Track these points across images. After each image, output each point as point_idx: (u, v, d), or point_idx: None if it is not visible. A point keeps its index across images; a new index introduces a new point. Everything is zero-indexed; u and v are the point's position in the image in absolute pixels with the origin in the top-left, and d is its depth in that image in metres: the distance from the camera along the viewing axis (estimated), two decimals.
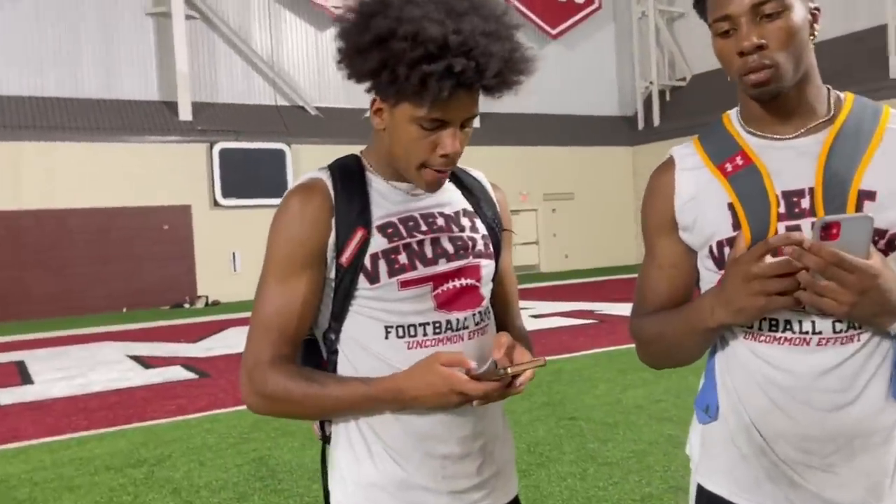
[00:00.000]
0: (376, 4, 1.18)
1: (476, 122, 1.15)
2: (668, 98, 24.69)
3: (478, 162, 1.50)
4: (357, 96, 22.25)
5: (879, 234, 1.10)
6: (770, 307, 1.06)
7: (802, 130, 1.19)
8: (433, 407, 1.20)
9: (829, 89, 1.22)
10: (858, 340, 1.13)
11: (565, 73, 22.99)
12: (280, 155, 18.39)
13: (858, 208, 1.11)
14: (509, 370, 1.14)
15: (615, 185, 23.78)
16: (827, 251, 0.99)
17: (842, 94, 1.22)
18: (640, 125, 24.90)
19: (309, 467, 4.49)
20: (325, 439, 1.37)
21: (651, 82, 24.36)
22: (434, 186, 1.28)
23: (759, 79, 1.12)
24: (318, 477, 4.22)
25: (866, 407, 1.13)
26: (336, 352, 1.29)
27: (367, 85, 1.22)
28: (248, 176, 17.75)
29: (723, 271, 1.18)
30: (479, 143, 13.58)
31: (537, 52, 1.29)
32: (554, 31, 23.15)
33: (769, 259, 1.03)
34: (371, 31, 1.16)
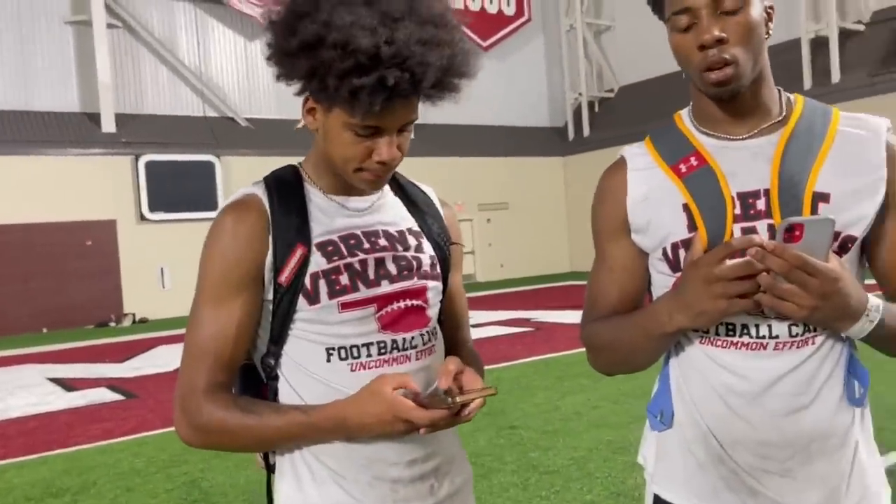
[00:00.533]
0: (305, 3, 1.10)
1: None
2: (597, 109, 25.20)
3: (412, 173, 1.45)
4: (288, 107, 21.95)
5: (833, 236, 1.10)
6: (731, 310, 1.04)
7: (755, 131, 1.18)
8: (378, 435, 1.14)
9: (779, 90, 1.21)
10: (813, 343, 1.12)
11: (498, 84, 23.20)
12: (209, 167, 17.93)
13: (813, 210, 1.11)
14: (458, 399, 1.09)
15: (548, 194, 24.11)
16: (791, 253, 0.98)
17: (791, 96, 1.22)
18: (571, 136, 25.33)
19: (244, 488, 4.34)
20: (270, 468, 1.29)
21: (580, 94, 24.82)
22: (374, 186, 1.22)
23: (719, 77, 1.10)
24: (254, 499, 4.10)
25: (822, 410, 1.13)
26: (276, 377, 1.22)
27: (297, 86, 1.16)
28: (176, 189, 17.22)
29: (678, 274, 1.16)
30: (413, 154, 13.55)
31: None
32: (485, 44, 23.34)
33: (731, 261, 1.01)
34: (298, 35, 1.09)
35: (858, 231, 1.13)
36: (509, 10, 25.05)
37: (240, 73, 19.85)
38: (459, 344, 1.37)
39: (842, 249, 1.11)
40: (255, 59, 19.97)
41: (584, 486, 4.03)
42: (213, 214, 1.51)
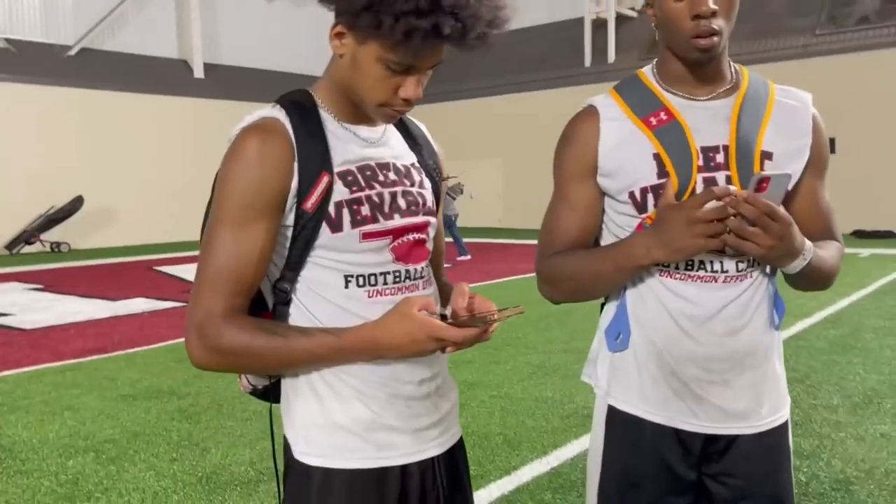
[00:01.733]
0: None
1: None
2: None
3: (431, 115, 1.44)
4: (56, 31, 19.67)
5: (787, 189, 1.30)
6: (706, 247, 1.21)
7: (713, 94, 1.36)
8: (409, 355, 1.17)
9: (729, 60, 1.40)
10: (750, 278, 1.35)
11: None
12: None
13: (761, 166, 1.32)
14: (495, 317, 1.14)
15: None
16: (762, 201, 1.16)
17: (737, 66, 1.42)
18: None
19: (56, 443, 4.00)
20: (260, 394, 1.29)
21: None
22: (389, 121, 1.25)
23: (706, 45, 1.27)
24: (71, 453, 3.80)
25: (754, 330, 1.36)
26: (289, 302, 1.22)
27: (337, 10, 1.14)
28: None
29: (643, 215, 1.32)
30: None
31: None
32: None
33: (709, 205, 1.18)
34: None
35: (790, 185, 1.36)
36: None
37: None
38: (439, 278, 1.43)
39: None
40: None
41: None
42: None
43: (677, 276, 1.34)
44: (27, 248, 16.81)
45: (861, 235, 15.85)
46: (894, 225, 15.93)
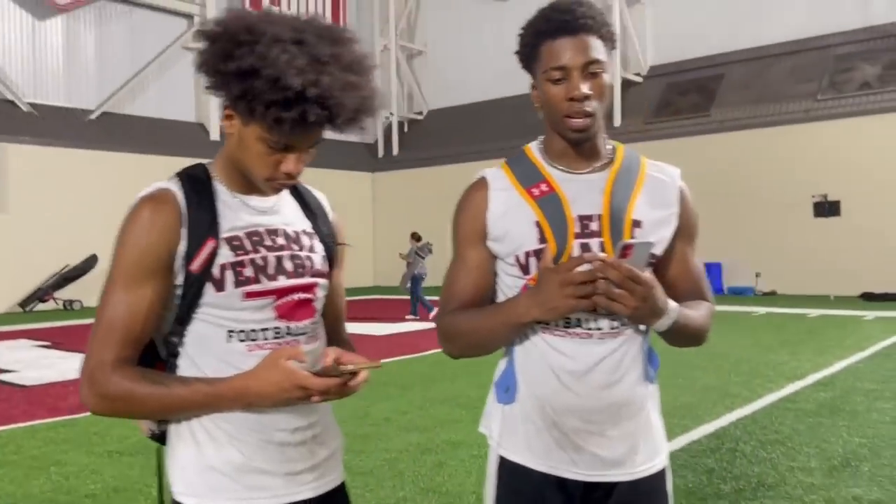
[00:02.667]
0: (244, 32, 1.24)
1: None
2: (406, 129, 26.00)
3: None
4: (79, 94, 20.27)
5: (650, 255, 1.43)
6: (578, 307, 1.34)
7: (591, 168, 1.51)
8: (278, 403, 1.28)
9: (606, 138, 1.55)
10: (624, 335, 1.47)
11: None
12: None
13: (631, 233, 1.45)
14: (349, 368, 1.27)
15: (356, 209, 24.39)
16: (625, 267, 1.30)
17: (613, 143, 1.57)
18: (381, 153, 25.89)
19: (39, 498, 4.08)
20: (158, 437, 1.40)
21: (391, 113, 25.49)
22: (276, 193, 1.40)
23: (580, 125, 1.42)
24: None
25: (628, 384, 1.47)
26: (177, 354, 1.34)
27: (222, 98, 1.28)
28: None
29: (527, 276, 1.46)
30: None
31: None
32: None
33: (579, 269, 1.31)
34: (235, 61, 1.22)
35: (659, 250, 1.50)
36: None
37: (25, 53, 18.11)
38: (338, 335, 1.55)
39: (648, 264, 1.47)
40: (44, 41, 18.37)
41: (395, 483, 4.27)
42: None
43: (558, 332, 1.46)
44: (40, 306, 17.11)
45: (869, 298, 15.74)
46: None
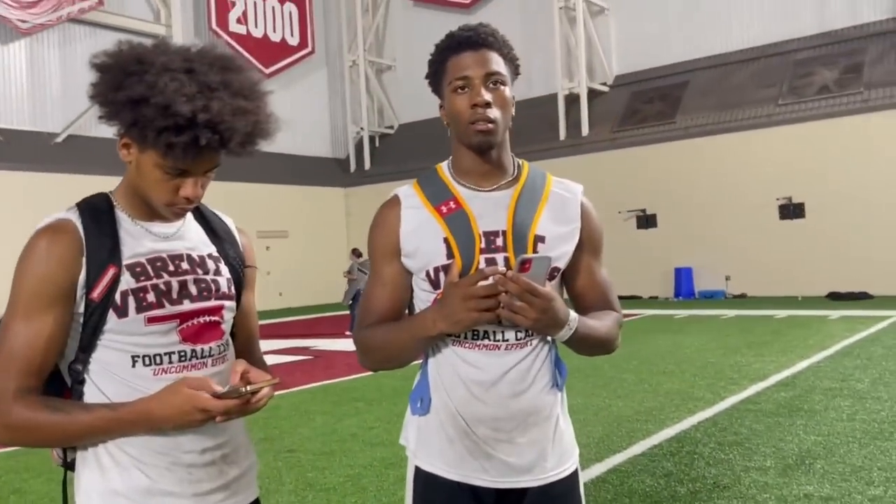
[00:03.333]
0: (133, 63, 1.28)
1: None
2: (377, 144, 26.07)
3: None
4: (44, 118, 20.08)
5: (549, 269, 1.48)
6: (481, 320, 1.39)
7: (496, 186, 1.57)
8: (181, 426, 1.31)
9: (513, 156, 1.61)
10: (530, 345, 1.52)
11: (280, 111, 22.96)
12: None
13: (535, 248, 1.51)
14: (248, 388, 1.31)
15: (329, 224, 24.40)
16: (523, 281, 1.35)
17: (520, 161, 1.63)
18: (353, 168, 25.93)
19: None
20: (68, 465, 1.41)
21: (362, 128, 25.56)
22: (178, 217, 1.43)
23: (483, 129, 1.48)
24: None
25: (536, 392, 1.53)
26: (83, 381, 1.36)
27: (116, 127, 1.32)
28: None
29: (437, 291, 1.51)
30: None
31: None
32: (267, 71, 23.25)
33: (481, 284, 1.36)
34: (125, 90, 1.26)
35: (562, 264, 1.56)
36: (293, 41, 25.21)
37: None
38: (251, 355, 1.57)
39: (551, 277, 1.53)
40: (10, 65, 18.21)
41: (358, 499, 4.29)
42: None
43: (467, 344, 1.51)
44: None
45: (836, 297, 16.03)
46: (868, 286, 16.13)
